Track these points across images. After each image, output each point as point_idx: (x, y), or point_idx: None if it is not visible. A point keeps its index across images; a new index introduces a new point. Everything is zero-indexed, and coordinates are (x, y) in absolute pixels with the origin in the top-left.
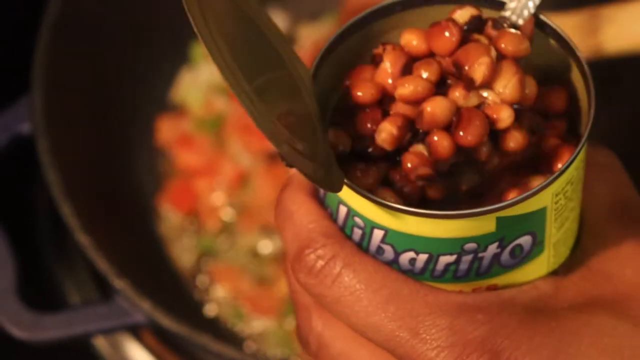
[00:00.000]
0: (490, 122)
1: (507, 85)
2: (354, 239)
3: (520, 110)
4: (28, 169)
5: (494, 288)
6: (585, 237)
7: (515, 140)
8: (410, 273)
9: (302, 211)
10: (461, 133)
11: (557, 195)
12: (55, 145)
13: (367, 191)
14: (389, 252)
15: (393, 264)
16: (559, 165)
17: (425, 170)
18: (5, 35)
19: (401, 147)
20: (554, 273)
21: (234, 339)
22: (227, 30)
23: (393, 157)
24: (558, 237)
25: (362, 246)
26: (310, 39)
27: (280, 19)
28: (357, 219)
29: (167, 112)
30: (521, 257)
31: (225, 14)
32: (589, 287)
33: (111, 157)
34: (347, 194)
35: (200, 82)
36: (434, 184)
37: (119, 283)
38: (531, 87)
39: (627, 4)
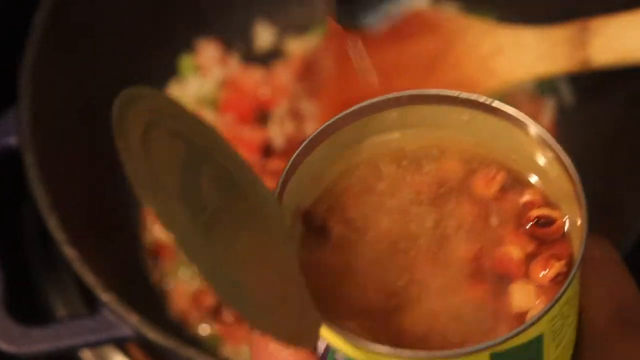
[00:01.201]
0: None
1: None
2: None
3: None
4: (15, 182)
5: None
6: (585, 349)
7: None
8: None
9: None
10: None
11: (554, 319)
12: (42, 158)
13: (351, 333)
14: None
15: None
16: (553, 295)
17: None
18: None
19: None
20: None
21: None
22: (171, 176)
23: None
24: (556, 355)
25: None
26: (298, 52)
27: (267, 33)
28: (337, 355)
29: None
30: None
31: (169, 154)
32: None
33: (98, 171)
34: (327, 332)
35: (188, 95)
36: None
37: (105, 296)
38: None
39: (615, 16)
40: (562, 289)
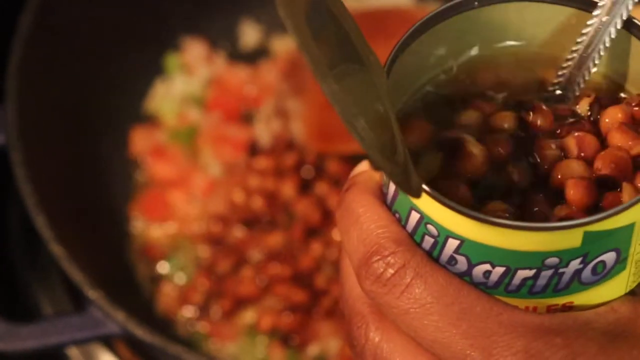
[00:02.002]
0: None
1: None
2: (424, 247)
3: None
4: (1, 180)
5: (570, 306)
6: None
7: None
8: (483, 286)
9: (369, 214)
10: None
11: None
12: (28, 157)
13: (449, 199)
14: (462, 263)
15: (465, 275)
16: None
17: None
18: None
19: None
20: (631, 293)
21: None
22: (310, 21)
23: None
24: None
25: (432, 255)
26: (284, 51)
27: (253, 32)
28: (430, 227)
29: (141, 123)
30: (603, 274)
31: (307, 5)
32: None
33: (85, 168)
34: (422, 200)
35: (174, 94)
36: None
37: (92, 293)
38: None
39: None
40: None
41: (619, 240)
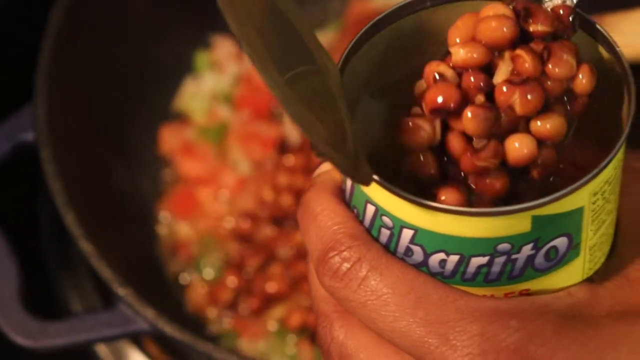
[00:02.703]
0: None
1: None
2: (381, 241)
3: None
4: (31, 178)
5: (527, 294)
6: (622, 244)
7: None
8: (440, 276)
9: (326, 212)
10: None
11: (595, 195)
12: (58, 153)
13: (400, 188)
14: (418, 254)
15: (422, 266)
16: (598, 164)
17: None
18: (9, 43)
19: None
20: (589, 280)
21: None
22: (258, 23)
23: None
24: (594, 241)
25: (389, 248)
26: None
27: None
28: (385, 219)
29: (170, 121)
30: (556, 261)
31: (254, 6)
32: (627, 295)
33: (114, 166)
34: (376, 192)
35: (203, 91)
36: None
37: (122, 291)
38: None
39: (630, 12)
40: (607, 159)
41: (569, 225)
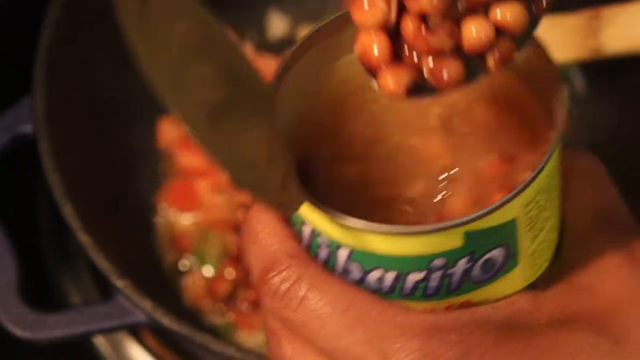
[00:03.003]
0: None
1: None
2: (320, 259)
3: None
4: (30, 170)
5: (468, 305)
6: (566, 249)
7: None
8: (379, 292)
9: (267, 231)
10: None
11: (527, 205)
12: (56, 146)
13: (331, 207)
14: (355, 271)
15: (361, 283)
16: (526, 176)
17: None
18: (7, 35)
19: None
20: (532, 286)
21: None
22: (174, 49)
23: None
24: (534, 248)
25: (328, 266)
26: None
27: (280, 22)
28: (321, 239)
29: (168, 114)
30: (494, 272)
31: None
32: (569, 301)
33: (112, 158)
34: (309, 214)
35: None
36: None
37: (120, 283)
38: None
39: (627, 5)
40: (536, 170)
41: (504, 237)
